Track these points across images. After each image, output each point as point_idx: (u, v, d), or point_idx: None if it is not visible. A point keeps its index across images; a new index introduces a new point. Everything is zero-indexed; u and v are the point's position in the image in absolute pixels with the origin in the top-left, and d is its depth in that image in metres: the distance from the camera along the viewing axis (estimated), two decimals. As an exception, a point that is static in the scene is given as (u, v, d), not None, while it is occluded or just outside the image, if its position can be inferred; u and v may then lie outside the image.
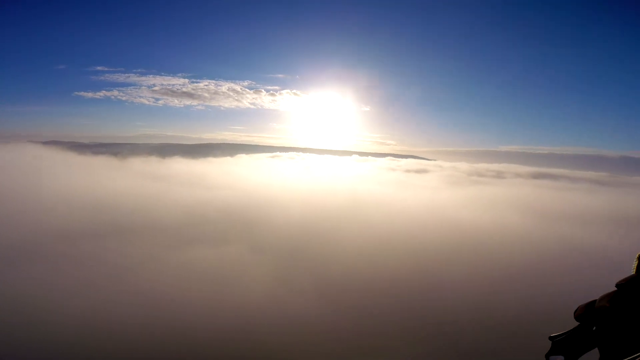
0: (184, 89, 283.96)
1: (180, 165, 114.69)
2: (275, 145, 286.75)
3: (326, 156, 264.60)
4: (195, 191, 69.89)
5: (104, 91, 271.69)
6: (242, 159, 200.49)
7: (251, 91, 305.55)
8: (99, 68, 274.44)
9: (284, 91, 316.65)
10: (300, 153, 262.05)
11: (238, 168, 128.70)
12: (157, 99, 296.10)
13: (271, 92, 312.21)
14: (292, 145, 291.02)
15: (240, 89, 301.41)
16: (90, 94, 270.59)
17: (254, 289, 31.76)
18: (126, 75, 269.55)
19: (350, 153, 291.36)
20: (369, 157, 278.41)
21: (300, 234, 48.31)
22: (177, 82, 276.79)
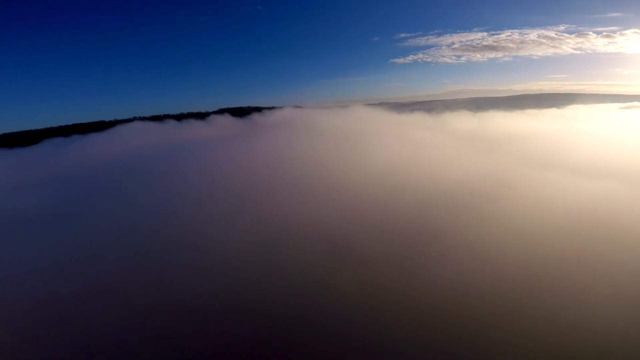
0: (484, 43, 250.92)
1: (501, 120, 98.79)
2: (625, 93, 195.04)
3: None
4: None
5: (411, 56, 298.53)
6: (577, 109, 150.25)
7: (572, 35, 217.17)
8: (402, 35, 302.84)
9: (627, 31, 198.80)
10: None
11: (585, 122, 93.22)
12: (459, 56, 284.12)
13: (605, 33, 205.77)
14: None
15: (556, 34, 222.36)
16: (401, 60, 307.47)
17: None
18: (425, 38, 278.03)
19: None
20: None
21: None
22: (475, 36, 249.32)
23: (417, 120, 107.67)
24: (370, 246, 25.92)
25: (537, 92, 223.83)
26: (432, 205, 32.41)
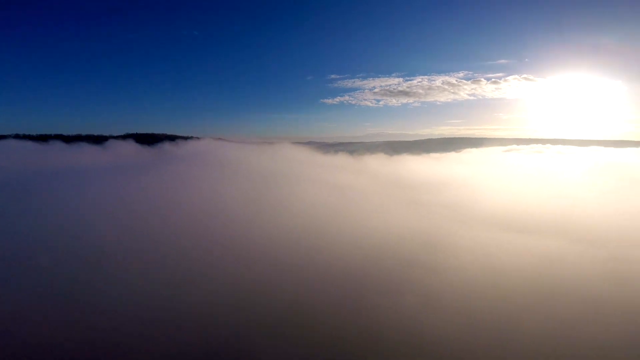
0: (400, 88, 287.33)
1: (413, 164, 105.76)
2: (507, 137, 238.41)
3: (593, 148, 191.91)
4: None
5: (338, 97, 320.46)
6: (471, 153, 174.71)
7: (469, 81, 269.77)
8: (332, 76, 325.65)
9: (509, 77, 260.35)
10: (549, 145, 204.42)
11: (480, 165, 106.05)
12: (378, 100, 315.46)
13: (493, 80, 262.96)
14: (529, 137, 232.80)
15: (456, 80, 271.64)
16: (330, 101, 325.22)
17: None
18: (352, 80, 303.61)
19: (635, 144, 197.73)
20: None
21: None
22: (393, 81, 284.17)
23: (340, 161, 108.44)
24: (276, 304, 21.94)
25: (439, 137, 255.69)
26: (351, 264, 27.40)
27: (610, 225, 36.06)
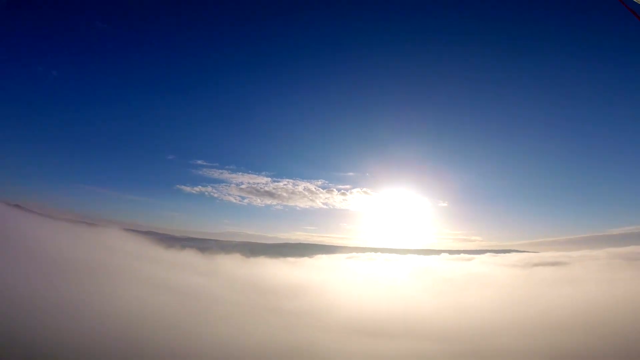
0: (266, 188, 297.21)
1: (271, 268, 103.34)
2: (349, 245, 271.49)
3: (410, 256, 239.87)
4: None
5: (200, 187, 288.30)
6: (322, 259, 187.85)
7: (324, 191, 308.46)
8: (199, 162, 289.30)
9: (354, 190, 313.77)
10: (379, 253, 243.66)
11: (330, 271, 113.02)
12: (243, 198, 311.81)
13: (342, 191, 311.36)
14: (367, 246, 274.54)
15: (315, 188, 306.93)
16: (188, 188, 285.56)
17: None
18: (220, 171, 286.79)
19: (437, 252, 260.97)
20: (461, 254, 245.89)
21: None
22: (262, 180, 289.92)
23: (187, 258, 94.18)
24: None
25: (296, 242, 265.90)
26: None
27: (442, 319, 40.71)
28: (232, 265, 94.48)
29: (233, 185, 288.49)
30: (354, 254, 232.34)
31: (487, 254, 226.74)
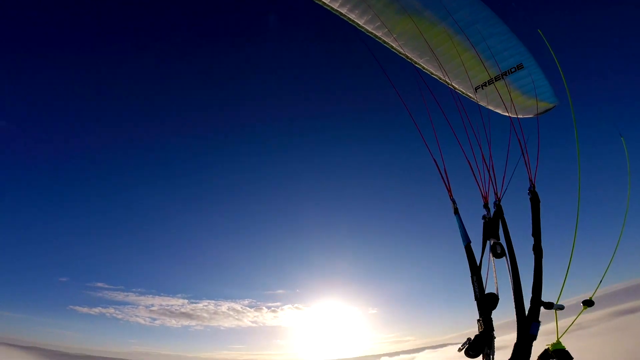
0: (183, 310, 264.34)
1: None
2: None
3: None
4: None
5: (99, 307, 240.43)
6: None
7: (252, 309, 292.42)
8: (99, 284, 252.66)
9: (285, 306, 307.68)
10: None
11: None
12: (154, 319, 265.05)
13: (272, 308, 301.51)
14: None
15: (241, 307, 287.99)
16: (85, 309, 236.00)
17: None
18: (125, 294, 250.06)
19: (376, 356, 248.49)
20: (400, 355, 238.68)
21: None
22: (176, 302, 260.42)
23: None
24: None
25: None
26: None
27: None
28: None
29: (142, 307, 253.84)
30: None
31: (426, 351, 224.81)
